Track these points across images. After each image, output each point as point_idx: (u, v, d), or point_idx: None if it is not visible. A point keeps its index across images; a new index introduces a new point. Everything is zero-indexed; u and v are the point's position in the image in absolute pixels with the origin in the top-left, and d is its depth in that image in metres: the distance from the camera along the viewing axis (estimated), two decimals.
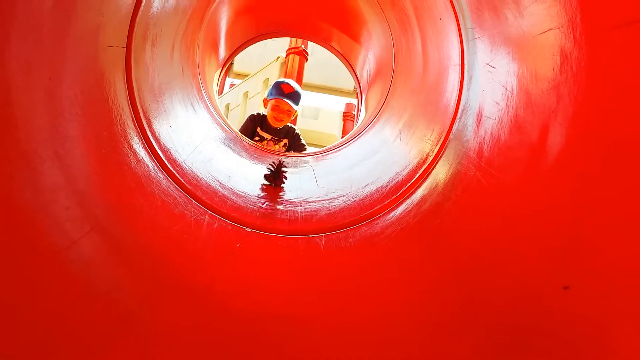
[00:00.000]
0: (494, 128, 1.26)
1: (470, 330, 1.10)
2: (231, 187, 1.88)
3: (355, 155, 2.51)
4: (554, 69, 0.97)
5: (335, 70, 6.79)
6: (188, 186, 1.64)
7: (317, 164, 2.60)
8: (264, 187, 2.00)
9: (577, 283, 0.84)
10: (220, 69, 3.83)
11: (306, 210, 1.85)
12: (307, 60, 6.56)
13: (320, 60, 7.14)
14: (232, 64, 7.52)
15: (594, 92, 0.87)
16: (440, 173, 1.57)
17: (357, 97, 4.19)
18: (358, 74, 3.92)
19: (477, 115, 1.40)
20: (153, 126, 1.63)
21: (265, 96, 3.62)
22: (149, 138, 1.56)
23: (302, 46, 6.46)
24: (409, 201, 1.63)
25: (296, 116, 3.65)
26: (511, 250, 1.08)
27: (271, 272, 1.49)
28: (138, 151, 1.46)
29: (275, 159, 2.56)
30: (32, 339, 0.89)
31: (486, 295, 1.10)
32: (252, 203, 1.81)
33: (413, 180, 1.69)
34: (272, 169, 2.00)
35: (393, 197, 1.70)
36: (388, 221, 1.63)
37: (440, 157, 1.61)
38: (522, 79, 1.14)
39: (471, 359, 1.05)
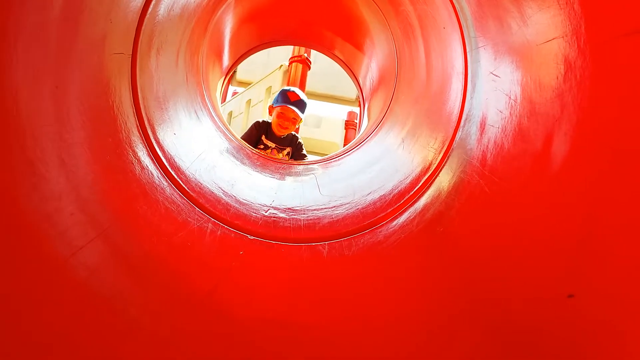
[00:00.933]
0: (498, 136, 1.26)
1: (474, 338, 1.09)
2: (234, 194, 1.88)
3: (358, 163, 2.51)
4: (557, 78, 0.97)
5: (338, 78, 6.81)
6: (191, 193, 1.65)
7: (319, 172, 2.60)
8: None
9: (582, 291, 0.84)
10: (223, 77, 3.85)
11: (309, 218, 1.85)
12: (309, 68, 6.59)
13: (323, 69, 7.17)
14: (235, 72, 7.56)
15: (598, 101, 0.87)
16: (444, 181, 1.57)
17: (360, 105, 4.20)
18: (361, 82, 3.93)
19: (481, 124, 1.40)
20: (157, 134, 1.64)
21: (271, 104, 3.61)
22: (153, 145, 1.56)
23: (305, 54, 6.49)
24: (412, 209, 1.63)
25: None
26: (515, 258, 1.08)
27: (274, 279, 1.49)
28: (142, 158, 1.47)
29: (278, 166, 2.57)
30: (37, 346, 0.89)
31: (490, 304, 1.10)
32: (254, 211, 1.81)
33: (416, 188, 1.69)
34: None
35: (396, 205, 1.70)
36: (391, 229, 1.63)
37: (444, 165, 1.61)
38: (526, 88, 1.15)
39: None
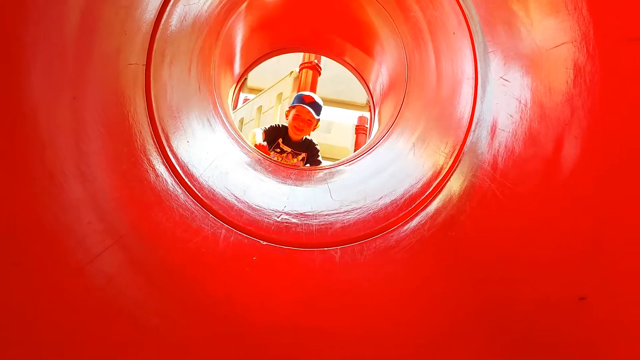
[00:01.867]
0: (508, 141, 1.26)
1: (486, 341, 1.09)
2: (247, 200, 1.90)
3: (369, 168, 2.52)
4: (567, 82, 0.98)
5: (348, 84, 6.82)
6: (205, 200, 1.67)
7: (331, 176, 2.62)
8: None
9: (594, 294, 0.84)
10: (235, 84, 3.88)
11: (321, 223, 1.86)
12: (320, 74, 6.60)
13: (333, 75, 7.18)
14: (246, 79, 7.60)
15: (608, 105, 0.88)
16: (455, 186, 1.58)
17: (370, 110, 4.21)
18: (371, 87, 3.94)
19: (491, 128, 1.41)
20: (171, 142, 1.66)
21: (287, 109, 3.64)
22: (167, 154, 1.59)
23: (315, 61, 6.51)
24: (423, 214, 1.63)
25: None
26: (526, 262, 1.08)
27: (287, 284, 1.50)
28: (157, 166, 1.49)
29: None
30: (55, 354, 0.91)
31: (502, 307, 1.10)
32: (267, 216, 1.82)
33: (427, 192, 1.70)
34: None
35: (407, 210, 1.70)
36: (403, 234, 1.63)
37: (455, 169, 1.62)
38: (535, 92, 1.15)
39: None
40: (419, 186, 1.80)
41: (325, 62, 6.43)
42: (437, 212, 1.58)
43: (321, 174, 2.74)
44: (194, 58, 2.13)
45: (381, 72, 3.57)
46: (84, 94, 1.10)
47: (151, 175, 1.43)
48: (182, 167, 1.66)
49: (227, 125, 2.79)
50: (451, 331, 1.18)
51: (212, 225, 1.60)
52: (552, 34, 1.04)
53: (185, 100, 2.02)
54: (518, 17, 1.20)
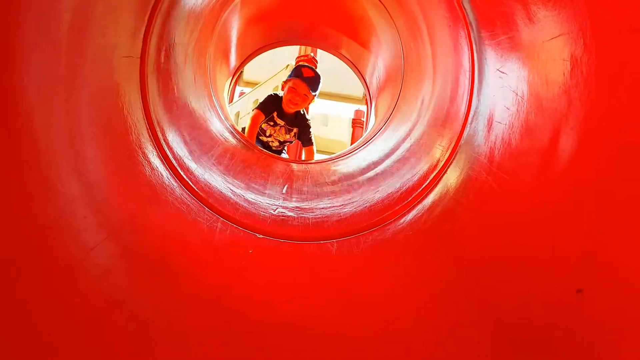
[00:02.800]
0: (505, 133, 1.26)
1: (483, 334, 1.10)
2: (242, 194, 1.89)
3: (366, 161, 2.52)
4: (564, 74, 0.97)
5: (344, 77, 6.80)
6: (201, 193, 1.66)
7: (327, 170, 2.61)
8: None
9: (591, 286, 0.84)
10: (230, 78, 3.86)
11: (317, 216, 1.86)
12: (316, 67, 6.58)
13: (329, 68, 7.15)
14: (242, 72, 7.57)
15: (604, 96, 0.87)
16: (451, 178, 1.57)
17: (367, 103, 4.20)
18: (367, 80, 3.93)
19: (488, 121, 1.40)
20: (167, 135, 1.65)
21: (284, 79, 3.52)
22: (162, 147, 1.58)
23: (312, 54, 6.48)
24: (420, 207, 1.63)
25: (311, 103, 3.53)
26: (524, 254, 1.08)
27: (283, 277, 1.49)
28: (152, 160, 1.48)
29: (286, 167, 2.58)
30: (50, 347, 0.91)
31: (499, 300, 1.10)
32: (263, 210, 1.82)
33: (424, 185, 1.69)
34: None
35: (404, 203, 1.70)
36: (399, 227, 1.63)
37: (451, 162, 1.62)
38: (532, 84, 1.15)
39: None
40: (415, 179, 1.80)
41: (322, 55, 6.40)
42: (434, 204, 1.58)
43: (318, 167, 2.73)
44: (190, 51, 2.12)
45: (377, 65, 3.56)
46: (78, 89, 1.09)
47: (146, 168, 1.43)
48: (177, 160, 1.65)
49: (223, 118, 2.78)
50: (448, 323, 1.18)
51: (208, 218, 1.59)
52: (548, 25, 1.04)
53: (181, 94, 2.01)
54: (514, 9, 1.19)
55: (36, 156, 0.91)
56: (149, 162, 1.45)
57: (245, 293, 1.38)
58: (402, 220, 1.63)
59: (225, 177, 1.96)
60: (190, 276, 1.34)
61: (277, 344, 1.21)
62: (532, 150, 1.13)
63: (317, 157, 3.74)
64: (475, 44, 1.56)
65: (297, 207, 1.93)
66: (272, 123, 3.50)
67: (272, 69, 7.17)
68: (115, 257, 1.15)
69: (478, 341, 1.10)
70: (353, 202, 1.89)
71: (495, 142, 1.31)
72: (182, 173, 1.63)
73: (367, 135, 3.32)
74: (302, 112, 3.60)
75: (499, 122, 1.31)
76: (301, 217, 1.85)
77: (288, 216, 1.85)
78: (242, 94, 7.52)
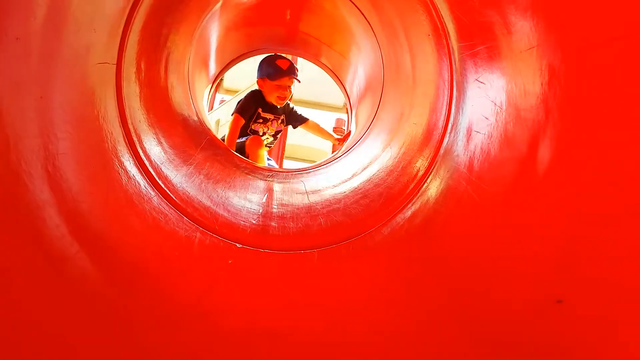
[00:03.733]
0: (484, 143, 1.27)
1: (464, 340, 1.10)
2: (222, 203, 1.87)
3: (346, 170, 2.51)
4: (542, 84, 0.98)
5: (325, 85, 6.81)
6: (179, 203, 1.64)
7: (308, 179, 2.60)
8: None
9: (570, 296, 0.85)
10: (210, 85, 3.84)
11: (298, 226, 1.85)
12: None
13: (310, 76, 7.15)
14: (222, 80, 7.54)
15: (582, 107, 0.88)
16: (431, 188, 1.58)
17: (347, 112, 4.21)
18: (348, 89, 3.94)
19: (467, 130, 1.41)
20: (144, 143, 1.63)
21: (259, 77, 3.45)
22: (139, 155, 1.55)
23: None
24: (400, 216, 1.63)
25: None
26: (503, 263, 1.09)
27: (264, 288, 1.48)
28: (129, 168, 1.46)
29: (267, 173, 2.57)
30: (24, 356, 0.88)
31: (479, 306, 1.10)
32: (243, 219, 1.80)
33: (404, 195, 1.69)
34: None
35: (384, 212, 1.70)
36: (380, 236, 1.63)
37: (431, 172, 1.62)
38: (510, 94, 1.16)
39: None
40: (396, 189, 1.80)
41: (302, 64, 6.41)
42: (414, 214, 1.58)
43: (298, 176, 2.72)
44: (168, 57, 2.10)
45: (358, 74, 3.57)
46: (51, 92, 1.06)
47: (123, 177, 1.40)
48: (155, 169, 1.63)
49: (202, 126, 2.75)
50: (429, 331, 1.18)
51: (187, 228, 1.57)
52: (526, 36, 1.05)
53: (158, 101, 1.99)
54: (493, 19, 1.20)
55: (4, 151, 0.88)
56: (125, 171, 1.43)
57: (225, 303, 1.36)
58: (382, 230, 1.63)
59: (205, 186, 1.94)
60: (168, 287, 1.32)
61: (257, 354, 1.19)
62: (510, 160, 1.14)
63: (298, 165, 3.73)
64: (454, 54, 1.57)
65: (277, 216, 1.92)
66: (260, 121, 3.46)
67: (252, 77, 7.14)
68: (89, 268, 1.12)
69: (459, 347, 1.10)
70: (334, 212, 1.89)
71: (474, 152, 1.32)
72: (159, 182, 1.61)
73: (348, 143, 3.32)
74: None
75: (478, 132, 1.32)
76: (282, 226, 1.84)
77: (268, 225, 1.83)
78: (222, 101, 7.48)
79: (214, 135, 2.90)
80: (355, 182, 2.19)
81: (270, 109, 3.47)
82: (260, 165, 3.23)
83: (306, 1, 3.34)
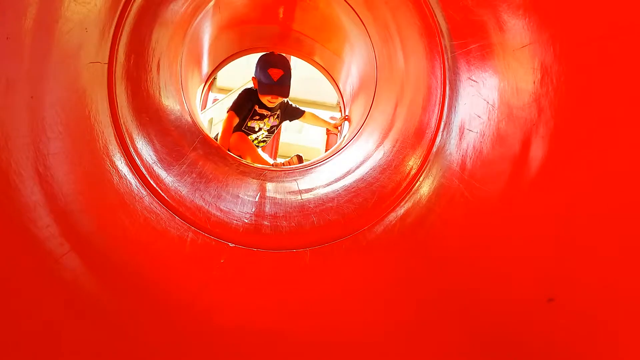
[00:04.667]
0: (477, 141, 1.27)
1: (457, 338, 1.10)
2: (215, 202, 1.86)
3: (339, 169, 2.51)
4: (534, 83, 0.98)
5: (319, 84, 6.80)
6: (171, 202, 1.63)
7: (301, 178, 2.60)
8: None
9: (561, 295, 0.85)
10: (203, 84, 3.82)
11: (291, 225, 1.85)
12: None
13: (303, 75, 7.15)
14: (215, 79, 7.51)
15: (574, 105, 0.88)
16: (424, 186, 1.58)
17: (341, 111, 4.21)
18: (341, 87, 3.94)
19: (460, 129, 1.41)
20: (136, 143, 1.62)
21: (254, 75, 3.45)
22: (131, 155, 1.54)
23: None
24: (393, 214, 1.63)
25: None
26: (495, 261, 1.09)
27: (256, 287, 1.47)
28: (120, 168, 1.45)
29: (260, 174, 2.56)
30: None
31: (471, 307, 1.10)
32: (236, 218, 1.80)
33: (397, 193, 1.70)
34: None
35: (377, 211, 1.70)
36: (373, 235, 1.63)
37: (424, 170, 1.62)
38: (503, 93, 1.16)
39: None
40: (388, 187, 1.80)
41: (296, 63, 6.40)
42: (407, 212, 1.58)
43: (291, 175, 2.72)
44: (160, 57, 2.08)
45: (351, 73, 3.57)
46: (42, 91, 1.05)
47: (114, 177, 1.39)
48: (147, 168, 1.62)
49: (195, 125, 2.74)
50: (422, 330, 1.18)
51: (179, 228, 1.56)
52: (519, 34, 1.05)
53: (151, 100, 1.98)
54: (485, 18, 1.20)
55: None
56: (117, 170, 1.42)
57: (218, 303, 1.36)
58: (375, 228, 1.63)
59: (197, 186, 1.93)
60: (160, 287, 1.31)
61: (250, 354, 1.19)
62: (503, 158, 1.14)
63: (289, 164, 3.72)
64: (447, 52, 1.57)
65: (270, 215, 1.91)
66: (257, 117, 3.45)
67: (245, 76, 7.13)
68: (80, 269, 1.12)
69: (451, 345, 1.10)
70: (326, 210, 1.88)
71: (467, 151, 1.32)
72: (151, 181, 1.60)
73: (341, 142, 3.32)
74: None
75: (471, 131, 1.32)
76: (275, 225, 1.83)
77: (261, 224, 1.83)
78: (215, 100, 7.46)
79: (207, 135, 2.89)
80: (348, 181, 2.19)
81: (265, 106, 3.47)
82: (254, 158, 3.22)
83: (300, 0, 3.33)
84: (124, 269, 1.26)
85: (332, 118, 6.88)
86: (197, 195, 1.83)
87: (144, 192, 1.53)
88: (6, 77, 0.90)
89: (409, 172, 1.71)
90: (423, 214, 1.51)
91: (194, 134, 2.58)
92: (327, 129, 4.34)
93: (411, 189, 1.64)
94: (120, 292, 1.20)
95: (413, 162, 1.72)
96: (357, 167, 2.31)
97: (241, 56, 3.99)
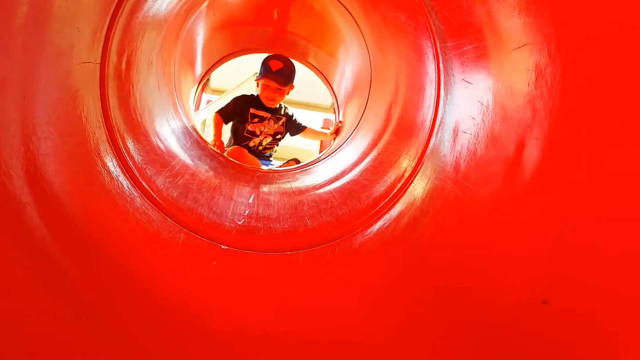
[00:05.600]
0: (471, 143, 1.27)
1: (449, 343, 1.09)
2: (208, 203, 1.85)
3: (333, 170, 2.51)
4: (529, 84, 0.98)
5: (312, 86, 6.80)
6: (163, 204, 1.62)
7: (294, 179, 2.59)
8: None
9: (556, 297, 0.84)
10: (196, 85, 3.81)
11: (284, 227, 1.84)
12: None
13: (297, 76, 7.15)
14: (208, 80, 7.49)
15: (569, 107, 0.88)
16: (418, 188, 1.58)
17: (335, 112, 4.21)
18: (335, 89, 3.93)
19: (454, 130, 1.41)
20: (128, 144, 1.61)
21: (257, 76, 3.49)
22: (123, 156, 1.53)
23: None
24: (387, 216, 1.63)
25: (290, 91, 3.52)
26: (489, 263, 1.09)
27: (249, 289, 1.47)
28: (112, 169, 1.44)
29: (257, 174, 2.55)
30: None
31: (466, 309, 1.10)
32: (229, 220, 1.79)
33: (391, 195, 1.69)
34: None
35: (371, 213, 1.70)
36: (366, 237, 1.62)
37: (418, 172, 1.62)
38: (497, 94, 1.16)
39: None
40: (382, 189, 1.79)
41: None
42: (401, 214, 1.58)
43: (285, 176, 2.71)
44: (153, 57, 2.07)
45: (345, 74, 3.57)
46: (33, 91, 1.04)
47: (105, 178, 1.38)
48: (139, 170, 1.61)
49: (188, 126, 2.73)
50: (417, 331, 1.18)
51: (171, 229, 1.55)
52: (514, 35, 1.05)
53: (143, 101, 1.96)
54: (480, 19, 1.20)
55: None
56: (108, 171, 1.41)
57: (210, 305, 1.35)
58: (369, 231, 1.63)
59: (190, 187, 1.92)
60: (152, 289, 1.30)
61: (243, 356, 1.18)
62: (497, 160, 1.14)
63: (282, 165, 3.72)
64: (441, 54, 1.57)
65: (263, 217, 1.91)
66: (256, 120, 3.43)
67: (239, 77, 7.11)
68: (72, 270, 1.10)
69: (446, 346, 1.10)
70: (320, 212, 1.88)
71: (461, 152, 1.32)
72: (143, 183, 1.59)
73: (334, 144, 3.32)
74: (280, 104, 3.56)
75: (465, 132, 1.32)
76: (268, 227, 1.82)
77: (254, 226, 1.82)
78: (209, 101, 7.44)
79: (200, 136, 2.87)
80: (342, 183, 2.19)
81: (264, 106, 3.46)
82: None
83: (294, 1, 3.33)
84: (115, 271, 1.25)
85: (325, 121, 6.89)
86: (189, 196, 1.82)
87: (136, 194, 1.52)
88: None
89: (403, 174, 1.71)
90: (417, 216, 1.50)
91: (187, 135, 2.57)
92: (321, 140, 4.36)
93: (405, 191, 1.64)
94: (112, 293, 1.19)
95: (407, 164, 1.72)
96: (351, 169, 2.31)
97: (235, 57, 3.99)
